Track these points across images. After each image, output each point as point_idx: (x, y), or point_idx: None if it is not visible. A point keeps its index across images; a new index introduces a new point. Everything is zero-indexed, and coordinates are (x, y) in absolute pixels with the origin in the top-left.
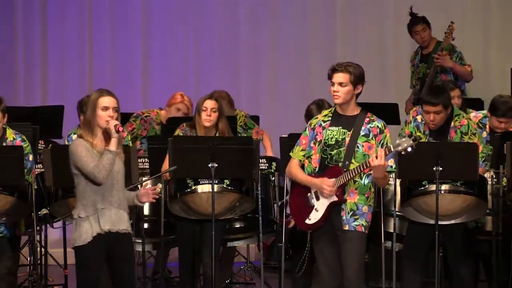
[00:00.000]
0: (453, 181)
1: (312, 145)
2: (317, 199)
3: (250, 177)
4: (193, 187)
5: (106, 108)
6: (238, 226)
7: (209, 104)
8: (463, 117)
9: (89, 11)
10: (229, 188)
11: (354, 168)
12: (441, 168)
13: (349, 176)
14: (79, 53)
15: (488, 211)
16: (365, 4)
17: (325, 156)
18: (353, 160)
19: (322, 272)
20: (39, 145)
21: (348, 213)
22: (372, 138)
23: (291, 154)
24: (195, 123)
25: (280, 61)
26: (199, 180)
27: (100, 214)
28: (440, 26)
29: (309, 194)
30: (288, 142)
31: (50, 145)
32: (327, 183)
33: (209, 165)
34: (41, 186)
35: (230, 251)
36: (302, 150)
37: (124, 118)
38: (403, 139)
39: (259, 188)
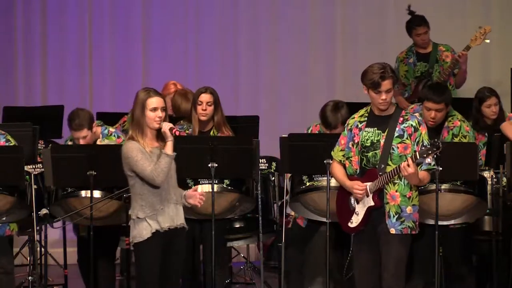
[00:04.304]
0: (453, 181)
1: (350, 146)
2: (357, 202)
3: (250, 177)
4: (193, 187)
5: (155, 109)
6: (238, 226)
7: (205, 98)
8: (457, 118)
9: (89, 11)
10: (229, 188)
11: (388, 172)
12: (441, 168)
13: (384, 180)
14: (79, 53)
15: (488, 211)
16: (365, 4)
17: (362, 158)
18: (389, 163)
19: (356, 276)
20: (39, 145)
21: (393, 217)
22: (407, 138)
23: (332, 153)
24: (191, 115)
25: (280, 61)
26: (199, 180)
27: (160, 214)
28: (440, 25)
29: (351, 196)
30: (288, 142)
31: (50, 145)
32: (357, 187)
33: (209, 165)
34: (41, 186)
35: (227, 251)
36: (341, 150)
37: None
38: (428, 147)
39: (259, 188)
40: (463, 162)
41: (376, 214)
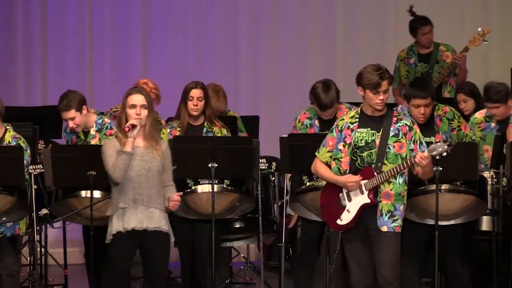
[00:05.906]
0: (453, 181)
1: (341, 147)
2: (349, 200)
3: (250, 177)
4: (193, 187)
5: (133, 106)
6: (238, 226)
7: (196, 93)
8: (443, 105)
9: (89, 11)
10: (229, 188)
11: (389, 170)
12: (441, 168)
13: (383, 178)
14: (79, 53)
15: (488, 211)
16: (365, 5)
17: (355, 159)
18: (385, 162)
19: (354, 272)
20: (39, 145)
21: (386, 215)
22: (402, 137)
23: (316, 154)
24: (180, 112)
25: (280, 61)
26: (199, 180)
27: (122, 213)
28: (439, 26)
29: (340, 194)
30: (288, 142)
31: (50, 145)
32: (352, 179)
33: (209, 165)
34: (41, 186)
35: (226, 251)
36: (328, 151)
37: None
38: (438, 144)
39: (259, 188)
40: (463, 162)
41: (368, 212)
